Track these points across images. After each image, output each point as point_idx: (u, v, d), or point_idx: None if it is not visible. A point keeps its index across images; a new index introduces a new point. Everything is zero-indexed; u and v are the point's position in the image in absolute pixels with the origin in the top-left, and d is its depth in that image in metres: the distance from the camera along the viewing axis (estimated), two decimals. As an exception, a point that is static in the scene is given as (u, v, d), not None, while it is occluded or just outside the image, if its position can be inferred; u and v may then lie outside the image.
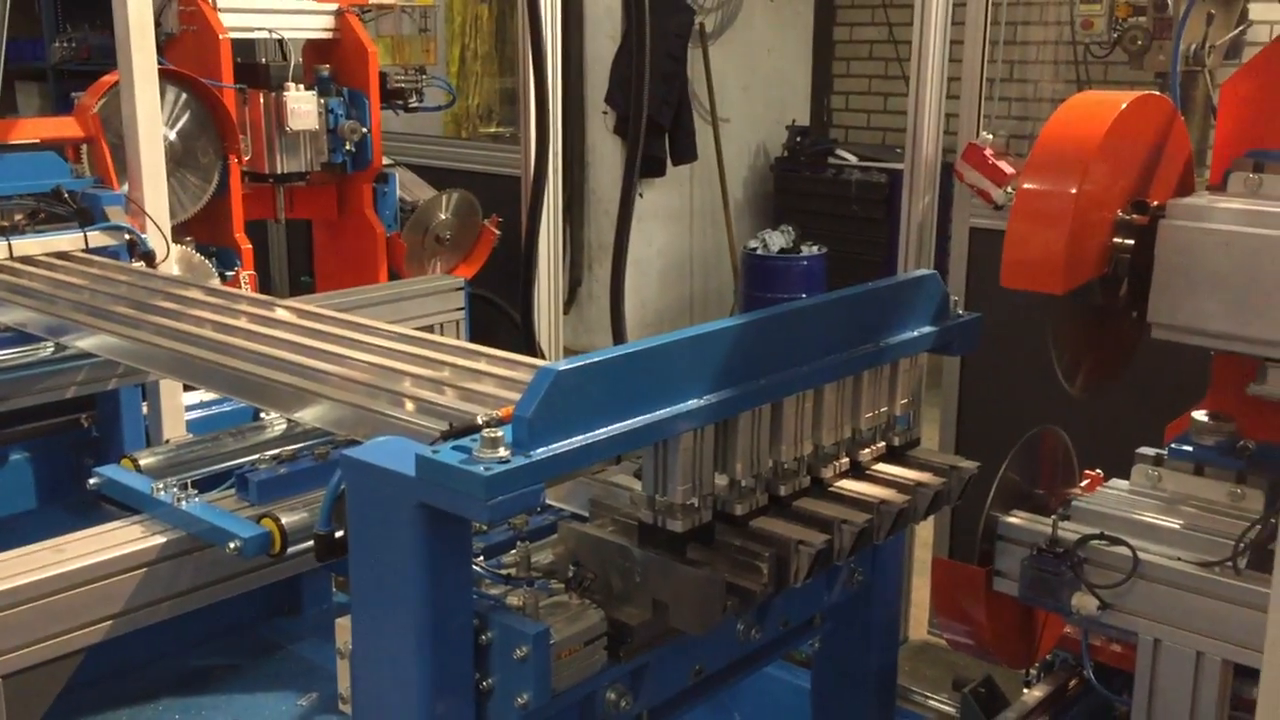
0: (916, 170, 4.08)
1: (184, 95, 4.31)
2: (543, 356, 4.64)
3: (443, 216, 5.23)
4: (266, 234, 6.49)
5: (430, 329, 3.65)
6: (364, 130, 4.86)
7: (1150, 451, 2.31)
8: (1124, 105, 2.07)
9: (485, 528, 1.77)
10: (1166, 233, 2.06)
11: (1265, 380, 2.12)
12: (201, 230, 4.40)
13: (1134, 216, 2.12)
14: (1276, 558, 0.96)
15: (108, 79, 3.79)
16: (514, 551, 1.58)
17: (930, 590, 2.36)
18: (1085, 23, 4.84)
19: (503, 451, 1.31)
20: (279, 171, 4.73)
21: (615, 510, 1.61)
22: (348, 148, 4.84)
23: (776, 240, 7.92)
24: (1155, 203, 2.12)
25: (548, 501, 1.81)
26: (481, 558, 1.58)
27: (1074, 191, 2.02)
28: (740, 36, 8.33)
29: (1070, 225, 2.01)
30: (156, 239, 3.36)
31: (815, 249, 7.92)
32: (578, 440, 1.36)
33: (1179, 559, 2.02)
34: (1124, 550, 2.03)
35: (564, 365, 1.36)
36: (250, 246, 4.48)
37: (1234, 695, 2.01)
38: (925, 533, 4.62)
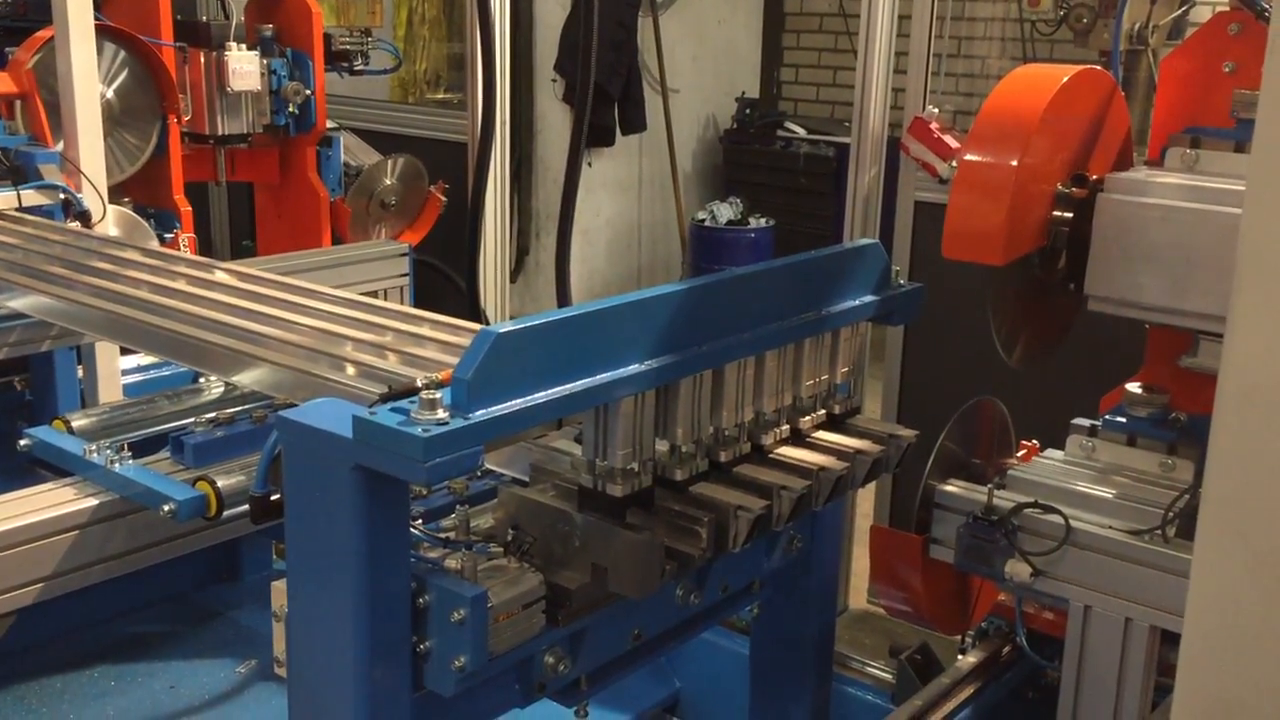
0: (863, 143, 4.09)
1: (122, 53, 4.21)
2: (488, 325, 4.61)
3: (388, 182, 5.16)
4: (207, 196, 6.37)
5: (374, 295, 3.61)
6: (307, 92, 4.77)
7: (1085, 422, 2.35)
8: (1065, 79, 2.09)
9: (424, 491, 1.76)
10: (1104, 206, 2.09)
11: (1197, 353, 2.16)
12: (140, 191, 4.31)
13: (1073, 190, 2.15)
14: (1199, 527, 0.98)
15: (43, 34, 3.69)
16: (453, 515, 1.58)
17: (868, 557, 2.39)
18: (1032, 0, 4.87)
19: (441, 414, 1.30)
20: (220, 133, 4.63)
21: (556, 475, 1.60)
22: (291, 110, 4.75)
23: (724, 212, 7.93)
24: (1094, 176, 2.15)
25: (488, 466, 1.80)
26: (420, 521, 1.57)
27: (1015, 164, 2.03)
28: (691, 6, 8.29)
29: (1011, 197, 2.03)
30: (92, 199, 3.29)
31: (763, 221, 7.95)
32: (517, 403, 1.36)
33: (1110, 527, 2.06)
34: (1057, 518, 2.07)
35: (504, 327, 1.35)
36: (190, 209, 4.39)
37: (1160, 661, 2.05)
38: (866, 504, 4.67)
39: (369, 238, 5.08)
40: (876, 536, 2.38)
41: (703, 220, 7.96)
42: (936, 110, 3.92)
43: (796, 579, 2.02)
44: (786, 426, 1.76)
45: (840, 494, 1.73)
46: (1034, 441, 2.44)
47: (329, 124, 5.01)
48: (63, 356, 3.23)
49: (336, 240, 4.97)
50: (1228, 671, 0.95)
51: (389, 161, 5.19)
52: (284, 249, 4.59)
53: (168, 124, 4.32)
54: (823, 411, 1.83)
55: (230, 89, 4.55)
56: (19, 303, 2.51)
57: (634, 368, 1.48)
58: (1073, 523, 2.06)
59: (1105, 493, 2.17)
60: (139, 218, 3.97)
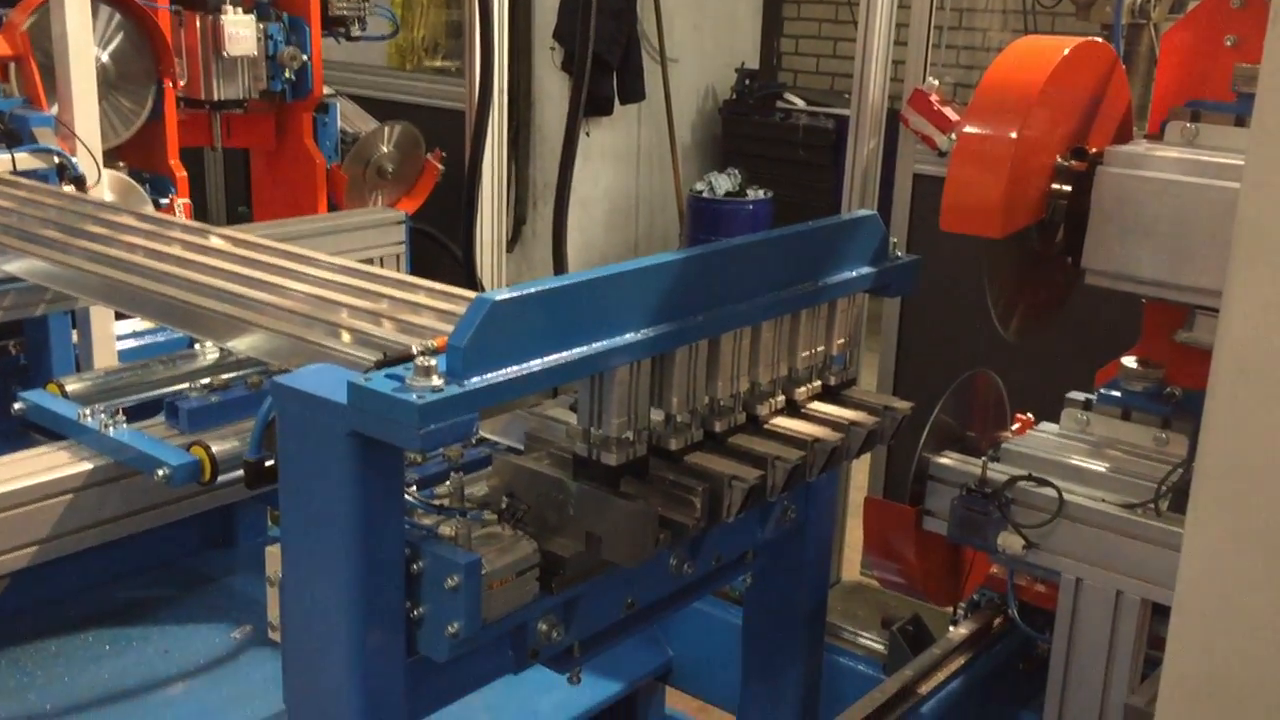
0: (862, 115, 4.08)
1: (117, 15, 4.18)
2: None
3: (385, 149, 5.14)
4: (203, 162, 6.35)
5: (370, 262, 3.61)
6: (304, 58, 4.75)
7: (1080, 396, 2.35)
8: (1066, 51, 2.08)
9: (419, 458, 1.76)
10: (1103, 179, 2.08)
11: (1194, 328, 2.16)
12: (135, 156, 4.30)
13: (1072, 163, 2.14)
14: (1191, 499, 0.98)
15: (37, -5, 3.67)
16: (448, 483, 1.58)
17: (862, 528, 2.40)
18: (1034, -28, 4.84)
19: (436, 380, 1.29)
20: (215, 98, 4.62)
21: (550, 443, 1.60)
22: (287, 75, 4.73)
23: (723, 183, 7.91)
24: (1094, 149, 2.14)
25: (483, 434, 1.80)
26: (415, 488, 1.57)
27: (1014, 136, 2.02)
28: (691, -25, 8.24)
29: (1009, 170, 2.02)
30: (87, 163, 3.27)
31: (761, 193, 7.93)
32: (512, 370, 1.35)
33: (1103, 500, 2.06)
34: (1050, 491, 2.07)
35: (500, 295, 1.35)
36: (185, 174, 4.38)
37: (1151, 634, 2.07)
38: (861, 476, 4.69)
39: (365, 205, 5.08)
40: (870, 508, 2.39)
41: (700, 191, 7.94)
42: (937, 82, 3.91)
43: (790, 550, 2.02)
44: (782, 397, 1.75)
45: (835, 465, 1.73)
46: (1029, 415, 2.44)
47: (326, 90, 4.99)
48: (57, 321, 3.22)
49: (332, 207, 4.97)
50: (1217, 642, 0.95)
51: (386, 129, 5.18)
52: (280, 215, 4.59)
53: (163, 88, 4.30)
54: (818, 383, 1.82)
55: (226, 53, 4.53)
56: (13, 266, 2.50)
57: (629, 336, 1.48)
58: (1066, 496, 2.06)
59: (1099, 466, 2.18)
60: (134, 182, 3.95)
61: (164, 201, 4.18)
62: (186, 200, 4.27)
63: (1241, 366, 0.89)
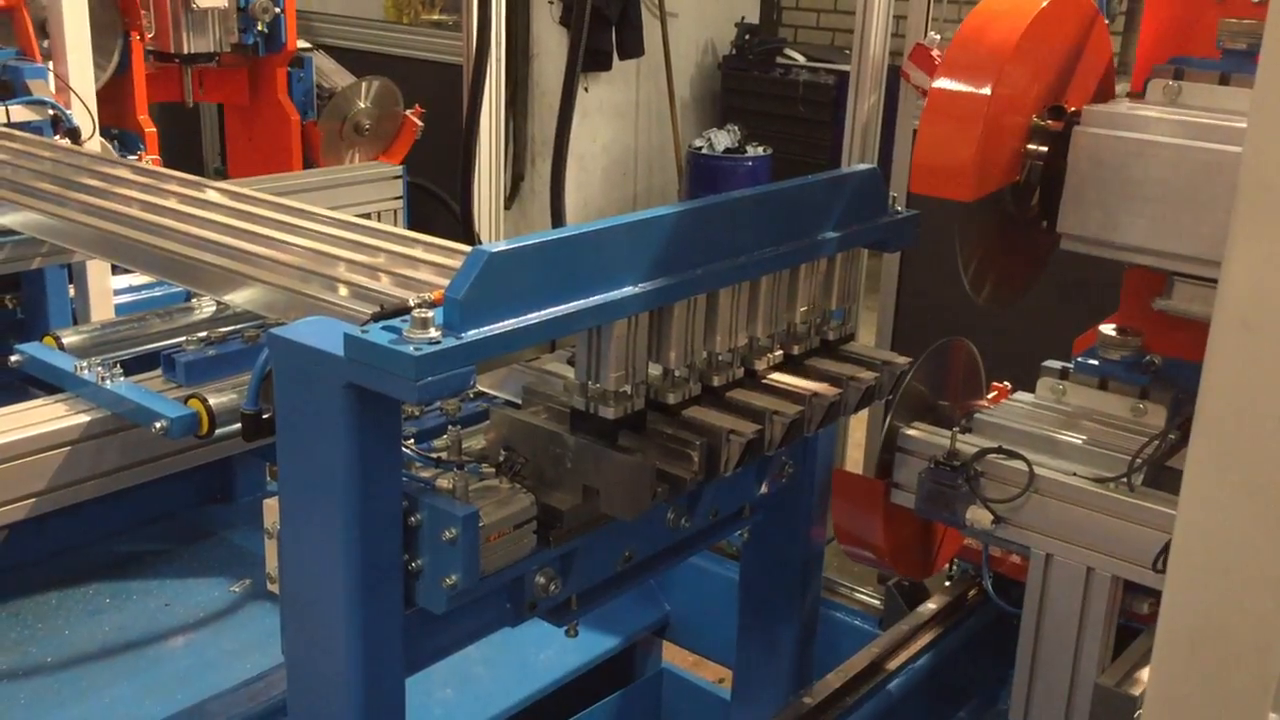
0: (863, 70, 4.04)
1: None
2: (482, 250, 4.58)
3: (362, 105, 5.01)
4: (199, 118, 6.28)
5: (367, 218, 3.59)
6: (277, 10, 4.61)
7: (1056, 365, 2.25)
8: (1044, 4, 1.96)
9: (417, 412, 1.76)
10: (1081, 140, 1.98)
11: (1172, 295, 2.06)
12: (103, 112, 4.16)
13: (1049, 122, 2.03)
14: (1190, 452, 0.98)
15: (30, -54, 3.61)
16: (445, 436, 1.58)
17: (831, 502, 2.31)
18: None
19: (433, 332, 1.29)
20: (185, 51, 4.47)
21: (548, 397, 1.60)
22: (259, 28, 4.60)
23: (722, 140, 7.87)
24: (1072, 108, 2.03)
25: (481, 389, 1.80)
26: (413, 441, 1.57)
27: (987, 93, 1.90)
28: (691, -72, 8.15)
29: (982, 129, 1.90)
30: (81, 115, 3.25)
31: (760, 150, 7.89)
32: (509, 323, 1.35)
33: (1075, 474, 1.97)
34: (1020, 464, 1.98)
35: (497, 247, 1.34)
36: (155, 130, 4.26)
37: (1122, 609, 1.98)
38: (859, 433, 4.70)
39: (341, 162, 4.97)
40: (839, 480, 2.25)
41: (700, 148, 7.90)
42: (939, 37, 3.86)
43: (787, 505, 2.03)
44: (780, 352, 1.75)
45: (832, 420, 1.73)
46: (1005, 383, 2.34)
47: (301, 43, 4.88)
48: (54, 274, 3.21)
49: (308, 164, 4.84)
50: (1213, 595, 0.95)
51: (363, 84, 5.05)
52: (254, 172, 4.49)
53: (130, 41, 4.20)
54: (817, 338, 1.82)
55: (196, 6, 4.40)
56: (9, 219, 2.48)
57: (628, 290, 1.47)
58: (1037, 469, 1.97)
59: (1073, 438, 2.08)
60: (102, 139, 3.89)
61: (132, 158, 4.11)
62: (155, 157, 4.18)
63: (1243, 316, 0.89)
